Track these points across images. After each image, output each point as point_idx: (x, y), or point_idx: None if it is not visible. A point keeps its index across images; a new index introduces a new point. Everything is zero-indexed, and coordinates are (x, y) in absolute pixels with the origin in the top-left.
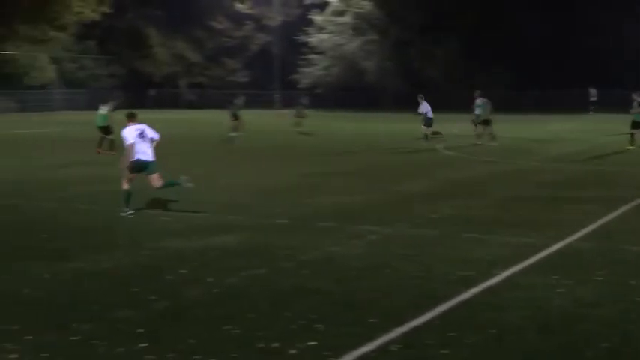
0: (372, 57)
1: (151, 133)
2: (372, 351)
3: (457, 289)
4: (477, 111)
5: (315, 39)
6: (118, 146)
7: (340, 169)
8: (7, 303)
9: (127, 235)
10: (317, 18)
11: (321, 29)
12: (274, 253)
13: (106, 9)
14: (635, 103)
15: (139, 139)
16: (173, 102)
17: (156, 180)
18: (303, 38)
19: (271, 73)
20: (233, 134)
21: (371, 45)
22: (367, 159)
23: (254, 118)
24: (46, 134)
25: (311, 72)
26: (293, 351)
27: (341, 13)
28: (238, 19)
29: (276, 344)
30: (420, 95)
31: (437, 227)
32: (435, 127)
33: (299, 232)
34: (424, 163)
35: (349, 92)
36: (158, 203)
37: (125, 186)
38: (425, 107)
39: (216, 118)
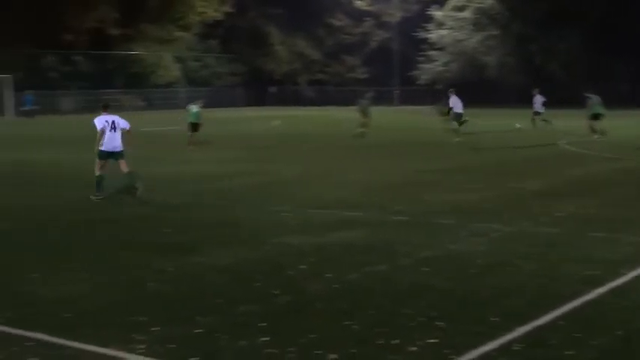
0: (492, 52)
1: (122, 123)
2: (494, 350)
3: (582, 289)
4: (593, 109)
5: (434, 35)
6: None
7: (460, 165)
8: (135, 296)
9: (249, 230)
10: (437, 13)
11: (440, 25)
12: (394, 250)
13: (228, 8)
14: None
15: (108, 128)
16: (293, 99)
17: (123, 166)
18: (422, 34)
19: (390, 69)
20: (361, 130)
21: (491, 40)
22: (487, 155)
23: (374, 114)
24: (172, 131)
25: (430, 68)
26: (413, 348)
27: (461, 9)
28: (358, 15)
29: (396, 341)
30: (451, 90)
31: (560, 225)
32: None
33: (418, 228)
34: (545, 159)
35: (469, 88)
36: (280, 199)
37: (97, 172)
38: (453, 101)
39: (336, 115)
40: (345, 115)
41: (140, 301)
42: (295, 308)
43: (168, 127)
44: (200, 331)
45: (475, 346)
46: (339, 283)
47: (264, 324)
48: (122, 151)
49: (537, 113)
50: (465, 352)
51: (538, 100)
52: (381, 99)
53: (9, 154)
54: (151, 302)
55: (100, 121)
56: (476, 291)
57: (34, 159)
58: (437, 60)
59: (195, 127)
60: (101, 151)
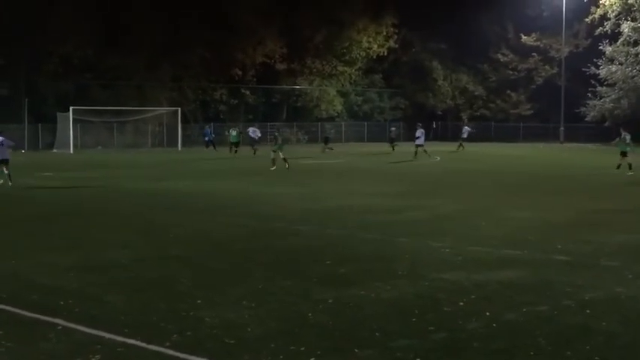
0: None
1: (7, 142)
2: None
3: None
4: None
5: (604, 70)
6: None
7: (631, 205)
8: (294, 325)
9: (409, 265)
10: (607, 49)
11: (611, 60)
12: (556, 290)
13: (392, 44)
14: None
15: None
16: (455, 135)
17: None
18: (592, 70)
19: (556, 105)
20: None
21: None
22: None
23: (540, 151)
24: (334, 164)
25: (599, 105)
26: None
27: (634, 44)
28: (523, 51)
29: None
30: (418, 124)
31: None
32: None
33: (582, 269)
34: None
35: None
36: (440, 234)
37: None
38: (418, 133)
39: (499, 151)
40: (508, 151)
41: (300, 331)
42: (451, 345)
43: (329, 160)
44: None
45: None
46: (497, 322)
47: (420, 359)
48: (8, 159)
49: None
50: None
51: None
52: (546, 135)
53: (183, 183)
54: (310, 332)
55: None
56: None
57: (206, 188)
58: (606, 96)
59: (236, 145)
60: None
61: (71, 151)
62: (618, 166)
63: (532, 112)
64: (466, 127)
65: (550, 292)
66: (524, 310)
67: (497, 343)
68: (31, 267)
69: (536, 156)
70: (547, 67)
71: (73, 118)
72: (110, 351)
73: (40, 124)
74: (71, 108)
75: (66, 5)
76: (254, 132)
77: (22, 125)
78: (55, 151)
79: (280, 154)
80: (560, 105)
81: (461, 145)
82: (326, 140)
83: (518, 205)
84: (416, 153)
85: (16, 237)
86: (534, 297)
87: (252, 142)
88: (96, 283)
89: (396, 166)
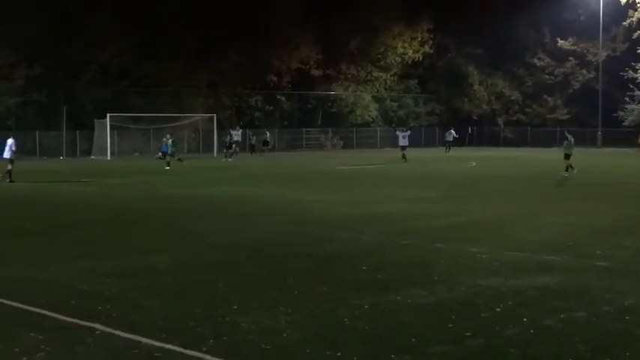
0: None
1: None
2: None
3: None
4: None
5: None
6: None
7: None
8: (330, 330)
9: (445, 270)
10: None
11: None
12: (595, 296)
13: (427, 49)
14: None
15: None
16: (491, 140)
17: None
18: (629, 73)
19: (593, 110)
20: (568, 173)
21: None
22: None
23: (574, 157)
24: (370, 170)
25: (637, 109)
26: None
27: None
28: (560, 55)
29: None
30: (401, 128)
31: None
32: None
33: (622, 276)
34: None
35: None
36: (476, 240)
37: None
38: (400, 134)
39: (536, 157)
40: (545, 156)
41: (336, 336)
42: (488, 352)
43: (365, 165)
44: None
45: None
46: (535, 328)
47: None
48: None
49: None
50: None
51: None
52: (584, 140)
53: (224, 189)
54: (346, 338)
55: None
56: None
57: (242, 194)
58: None
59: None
60: None
61: (108, 158)
62: None
63: (569, 116)
64: (451, 131)
65: (589, 298)
66: (563, 316)
67: (535, 350)
68: (70, 273)
69: (574, 161)
70: (584, 71)
71: (111, 125)
72: (148, 356)
73: (77, 131)
74: (108, 115)
75: (103, 14)
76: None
77: (60, 132)
78: (92, 157)
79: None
80: (597, 109)
81: (448, 147)
82: (264, 143)
83: (557, 210)
84: (403, 156)
85: (55, 243)
86: (573, 303)
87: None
88: (134, 288)
89: (433, 171)
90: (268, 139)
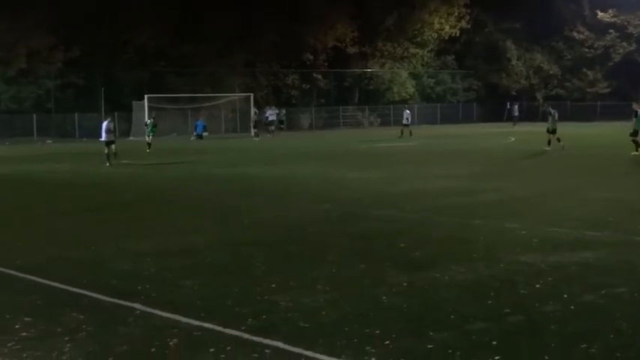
0: None
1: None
2: None
3: None
4: None
5: None
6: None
7: None
8: (369, 308)
9: (484, 247)
10: None
11: None
12: (636, 272)
13: (464, 24)
14: None
15: None
16: (530, 115)
17: None
18: None
19: (635, 83)
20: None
21: None
22: None
23: (619, 129)
24: (407, 147)
25: None
26: None
27: None
28: (600, 28)
29: None
30: (404, 105)
31: None
32: None
33: None
34: None
35: None
36: (516, 216)
37: None
38: (405, 114)
39: (576, 131)
40: (585, 130)
41: (374, 314)
42: (528, 328)
43: (402, 143)
44: (432, 346)
45: None
46: (575, 304)
47: (496, 342)
48: None
49: None
50: None
51: None
52: (625, 114)
53: (260, 169)
54: (384, 315)
55: None
56: None
57: (280, 173)
58: None
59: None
60: None
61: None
62: None
63: (609, 90)
64: (407, 112)
65: (631, 273)
66: (603, 292)
67: (576, 326)
68: (110, 253)
69: (615, 135)
70: (624, 43)
71: (148, 106)
72: (187, 335)
73: (116, 113)
74: (146, 96)
75: None
76: (271, 114)
77: (98, 114)
78: (131, 138)
79: None
80: (638, 82)
81: (402, 131)
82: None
83: (597, 185)
84: (402, 132)
85: (95, 224)
86: (614, 279)
87: (269, 125)
88: (173, 267)
89: (471, 147)
90: (283, 118)
